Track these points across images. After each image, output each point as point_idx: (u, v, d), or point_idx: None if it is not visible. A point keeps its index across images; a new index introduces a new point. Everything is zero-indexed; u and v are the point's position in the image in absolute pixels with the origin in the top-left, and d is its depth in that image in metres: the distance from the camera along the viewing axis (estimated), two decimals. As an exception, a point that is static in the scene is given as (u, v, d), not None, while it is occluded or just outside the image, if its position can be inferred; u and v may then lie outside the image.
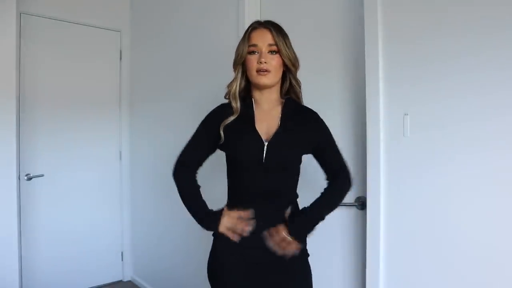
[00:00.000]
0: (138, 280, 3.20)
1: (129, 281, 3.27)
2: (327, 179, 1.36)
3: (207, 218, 1.31)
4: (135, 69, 3.25)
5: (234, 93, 1.30)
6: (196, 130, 1.38)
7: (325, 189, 1.34)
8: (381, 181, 1.46)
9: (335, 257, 1.70)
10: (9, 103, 2.46)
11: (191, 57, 2.55)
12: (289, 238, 1.22)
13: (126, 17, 3.27)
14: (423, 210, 1.36)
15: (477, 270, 1.22)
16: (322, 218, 1.29)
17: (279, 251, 1.22)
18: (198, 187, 1.38)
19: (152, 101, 3.02)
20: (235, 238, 1.25)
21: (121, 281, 3.26)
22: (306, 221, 1.27)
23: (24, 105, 2.71)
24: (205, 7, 2.43)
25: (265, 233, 1.23)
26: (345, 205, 1.65)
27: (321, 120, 1.36)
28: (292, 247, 1.23)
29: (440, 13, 1.31)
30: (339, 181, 1.34)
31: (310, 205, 1.30)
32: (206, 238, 2.38)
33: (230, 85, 1.32)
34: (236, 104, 1.30)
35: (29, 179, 2.74)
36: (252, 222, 1.24)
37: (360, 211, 1.62)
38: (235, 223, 1.25)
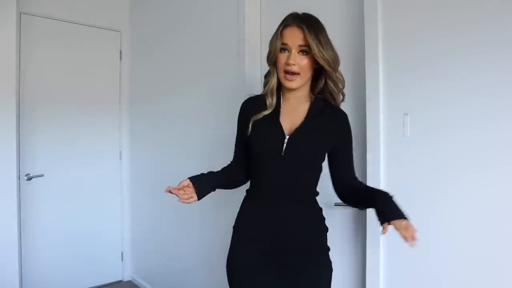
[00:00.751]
0: (138, 280, 3.20)
1: (129, 281, 3.27)
2: (338, 183, 1.34)
3: None
4: (135, 69, 3.25)
5: (272, 89, 1.28)
6: (237, 131, 1.39)
7: (358, 191, 1.29)
8: (381, 181, 1.46)
9: (335, 257, 1.70)
10: (9, 103, 2.46)
11: (191, 57, 2.55)
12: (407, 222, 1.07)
13: (126, 17, 3.27)
14: (423, 210, 1.36)
15: (477, 270, 1.22)
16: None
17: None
18: (224, 171, 1.40)
19: (152, 101, 3.01)
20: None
21: (121, 281, 3.26)
22: (395, 204, 1.15)
23: (24, 105, 2.71)
24: (205, 7, 2.42)
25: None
26: (345, 205, 1.65)
27: (348, 122, 1.34)
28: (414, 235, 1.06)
29: (440, 13, 1.31)
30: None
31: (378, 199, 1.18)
32: (206, 238, 2.38)
33: (267, 80, 1.30)
34: (272, 100, 1.28)
35: (29, 179, 2.74)
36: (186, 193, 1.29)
37: (360, 211, 1.62)
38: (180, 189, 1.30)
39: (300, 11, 1.77)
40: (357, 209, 1.62)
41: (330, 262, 1.32)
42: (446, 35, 1.29)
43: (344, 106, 1.68)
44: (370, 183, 1.49)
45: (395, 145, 1.43)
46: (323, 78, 1.29)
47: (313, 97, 1.31)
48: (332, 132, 1.28)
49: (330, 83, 1.28)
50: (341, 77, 1.29)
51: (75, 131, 2.99)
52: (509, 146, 1.15)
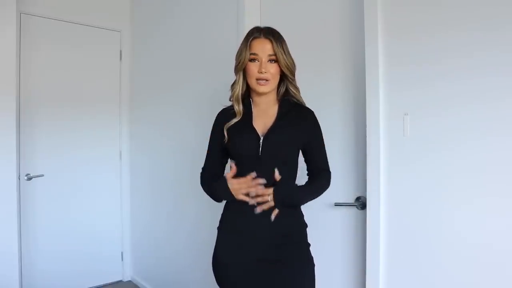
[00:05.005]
0: (138, 280, 3.20)
1: (129, 281, 3.27)
2: (309, 175, 1.45)
3: (221, 192, 1.36)
4: (135, 69, 3.25)
5: (237, 96, 1.39)
6: (209, 140, 1.48)
7: (306, 182, 1.42)
8: (381, 181, 1.46)
9: (335, 257, 1.70)
10: (9, 103, 2.46)
11: (191, 57, 2.55)
12: (269, 198, 1.29)
13: (126, 17, 3.27)
14: (423, 210, 1.36)
15: (477, 270, 1.22)
16: (301, 200, 1.37)
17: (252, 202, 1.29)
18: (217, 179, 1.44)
19: (152, 101, 3.02)
20: (251, 201, 1.29)
21: (121, 281, 3.26)
22: (291, 191, 1.33)
23: (24, 105, 2.71)
24: (205, 7, 2.42)
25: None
26: (345, 205, 1.65)
27: (315, 119, 1.43)
28: (264, 206, 1.29)
29: (441, 13, 1.31)
30: (322, 178, 1.42)
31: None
32: (205, 237, 2.38)
33: (233, 89, 1.41)
34: (239, 107, 1.39)
35: (29, 179, 2.74)
36: (260, 180, 1.29)
37: (360, 211, 1.62)
38: (244, 186, 1.30)
39: (298, 12, 1.78)
40: (360, 210, 1.62)
41: (312, 258, 1.38)
42: (448, 36, 1.29)
43: (345, 106, 1.69)
44: (370, 183, 1.49)
45: (395, 145, 1.43)
46: (284, 84, 1.41)
47: (281, 100, 1.42)
48: (301, 128, 1.38)
49: (291, 88, 1.41)
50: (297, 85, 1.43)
51: (75, 131, 2.99)
52: (510, 147, 1.15)
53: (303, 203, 1.40)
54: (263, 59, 1.33)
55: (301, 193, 1.37)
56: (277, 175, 1.30)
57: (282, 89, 1.42)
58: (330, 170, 1.45)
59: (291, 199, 1.33)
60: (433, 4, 1.33)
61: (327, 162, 1.44)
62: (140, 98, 3.18)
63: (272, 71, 1.34)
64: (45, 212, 2.83)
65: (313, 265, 1.37)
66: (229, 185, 1.31)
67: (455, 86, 1.27)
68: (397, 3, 1.43)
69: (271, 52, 1.33)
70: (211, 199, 1.44)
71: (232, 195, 1.31)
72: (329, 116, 1.67)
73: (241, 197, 1.30)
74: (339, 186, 1.67)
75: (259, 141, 1.32)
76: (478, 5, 1.21)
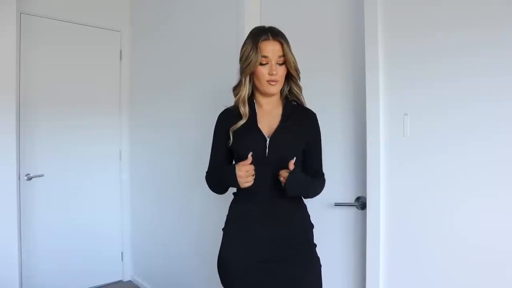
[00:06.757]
0: (138, 280, 3.20)
1: (129, 281, 3.27)
2: None
3: (230, 177, 1.31)
4: (135, 69, 3.25)
5: (244, 99, 1.37)
6: (212, 142, 1.47)
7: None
8: (381, 181, 1.46)
9: (335, 257, 1.70)
10: (9, 103, 2.46)
11: (191, 57, 2.55)
12: (281, 178, 1.28)
13: (126, 17, 3.27)
14: (423, 210, 1.36)
15: (477, 270, 1.22)
16: (308, 189, 1.35)
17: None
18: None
19: (152, 101, 3.02)
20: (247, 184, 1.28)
21: (121, 281, 3.26)
22: (303, 178, 1.31)
23: (24, 105, 2.71)
24: (205, 7, 2.43)
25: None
26: (345, 205, 1.65)
27: (317, 121, 1.45)
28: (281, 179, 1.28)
29: (441, 13, 1.31)
30: (320, 178, 1.43)
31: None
32: (209, 238, 2.38)
33: (239, 91, 1.38)
34: (245, 109, 1.37)
35: (29, 179, 2.74)
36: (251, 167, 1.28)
37: (360, 211, 1.62)
38: (250, 170, 1.28)
39: (298, 11, 1.76)
40: (360, 210, 1.62)
41: (318, 258, 1.38)
42: (448, 36, 1.29)
43: (345, 106, 1.69)
44: (370, 183, 1.50)
45: (395, 145, 1.43)
46: (288, 84, 1.42)
47: (285, 101, 1.43)
48: (305, 129, 1.40)
49: (294, 88, 1.42)
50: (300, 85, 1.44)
51: (75, 131, 2.99)
52: (510, 147, 1.15)
53: (308, 195, 1.39)
54: (273, 62, 1.32)
55: (310, 183, 1.33)
56: (291, 165, 1.26)
57: (286, 90, 1.43)
58: (325, 172, 1.46)
59: (302, 185, 1.30)
60: (433, 4, 1.33)
61: (322, 164, 1.45)
62: (140, 98, 3.18)
63: (280, 73, 1.34)
64: (45, 212, 2.83)
65: (320, 265, 1.37)
66: (237, 171, 1.26)
67: (455, 86, 1.27)
68: (397, 3, 1.43)
69: (280, 54, 1.32)
70: (216, 192, 1.45)
71: (237, 181, 1.27)
72: (329, 116, 1.67)
73: (247, 184, 1.27)
74: (339, 186, 1.67)
75: (266, 142, 1.33)
76: (478, 4, 1.21)
